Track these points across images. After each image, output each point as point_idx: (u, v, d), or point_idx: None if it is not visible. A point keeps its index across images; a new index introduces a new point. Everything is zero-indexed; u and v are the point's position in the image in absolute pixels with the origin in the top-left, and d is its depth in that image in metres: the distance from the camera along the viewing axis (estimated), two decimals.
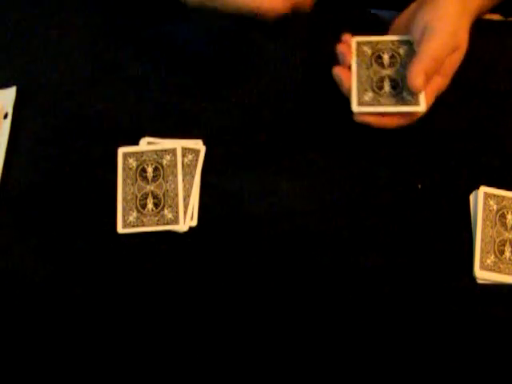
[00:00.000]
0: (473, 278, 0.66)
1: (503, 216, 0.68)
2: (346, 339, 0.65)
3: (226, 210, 0.70)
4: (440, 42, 0.64)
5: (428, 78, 0.64)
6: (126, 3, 0.82)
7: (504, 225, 0.67)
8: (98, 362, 0.65)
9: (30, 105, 0.76)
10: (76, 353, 0.65)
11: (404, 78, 0.66)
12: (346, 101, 0.67)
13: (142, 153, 0.72)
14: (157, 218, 0.69)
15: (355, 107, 0.66)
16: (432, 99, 0.66)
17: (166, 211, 0.69)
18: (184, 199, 0.70)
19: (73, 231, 0.70)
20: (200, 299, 0.67)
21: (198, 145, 0.73)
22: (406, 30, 0.69)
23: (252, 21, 0.79)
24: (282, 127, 0.74)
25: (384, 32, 0.71)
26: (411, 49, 0.68)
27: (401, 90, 0.66)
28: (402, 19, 0.71)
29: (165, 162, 0.71)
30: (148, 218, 0.69)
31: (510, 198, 0.68)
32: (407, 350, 0.64)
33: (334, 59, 0.70)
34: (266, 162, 0.72)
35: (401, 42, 0.69)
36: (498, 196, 0.68)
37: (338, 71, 0.68)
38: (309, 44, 0.77)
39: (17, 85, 0.77)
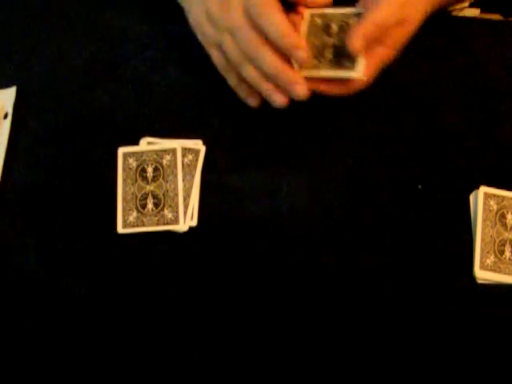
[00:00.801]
0: (473, 278, 0.66)
1: (503, 216, 0.68)
2: (345, 339, 0.65)
3: (226, 210, 0.70)
4: (385, 11, 0.63)
5: (368, 43, 0.63)
6: (126, 3, 0.82)
7: (504, 225, 0.67)
8: (98, 362, 0.65)
9: (29, 105, 0.76)
10: (76, 352, 0.65)
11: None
12: (347, 101, 0.67)
13: (142, 153, 0.72)
14: (157, 218, 0.69)
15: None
16: (375, 70, 0.66)
17: (165, 211, 0.69)
18: (184, 199, 0.70)
19: (73, 231, 0.70)
20: (200, 299, 0.67)
21: (198, 145, 0.72)
22: None
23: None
24: (281, 127, 0.74)
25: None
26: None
27: (341, 57, 0.66)
28: None
29: (165, 162, 0.71)
30: (148, 218, 0.69)
31: (510, 198, 0.68)
32: (407, 350, 0.64)
33: None
34: (266, 161, 0.72)
35: (352, 14, 0.67)
36: (498, 196, 0.68)
37: None
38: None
39: (17, 85, 0.77)
